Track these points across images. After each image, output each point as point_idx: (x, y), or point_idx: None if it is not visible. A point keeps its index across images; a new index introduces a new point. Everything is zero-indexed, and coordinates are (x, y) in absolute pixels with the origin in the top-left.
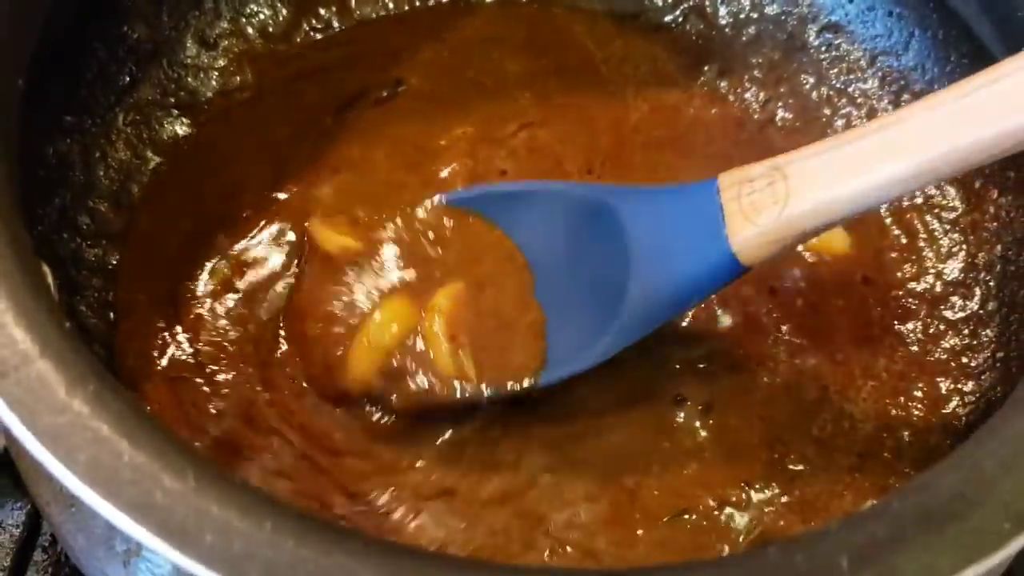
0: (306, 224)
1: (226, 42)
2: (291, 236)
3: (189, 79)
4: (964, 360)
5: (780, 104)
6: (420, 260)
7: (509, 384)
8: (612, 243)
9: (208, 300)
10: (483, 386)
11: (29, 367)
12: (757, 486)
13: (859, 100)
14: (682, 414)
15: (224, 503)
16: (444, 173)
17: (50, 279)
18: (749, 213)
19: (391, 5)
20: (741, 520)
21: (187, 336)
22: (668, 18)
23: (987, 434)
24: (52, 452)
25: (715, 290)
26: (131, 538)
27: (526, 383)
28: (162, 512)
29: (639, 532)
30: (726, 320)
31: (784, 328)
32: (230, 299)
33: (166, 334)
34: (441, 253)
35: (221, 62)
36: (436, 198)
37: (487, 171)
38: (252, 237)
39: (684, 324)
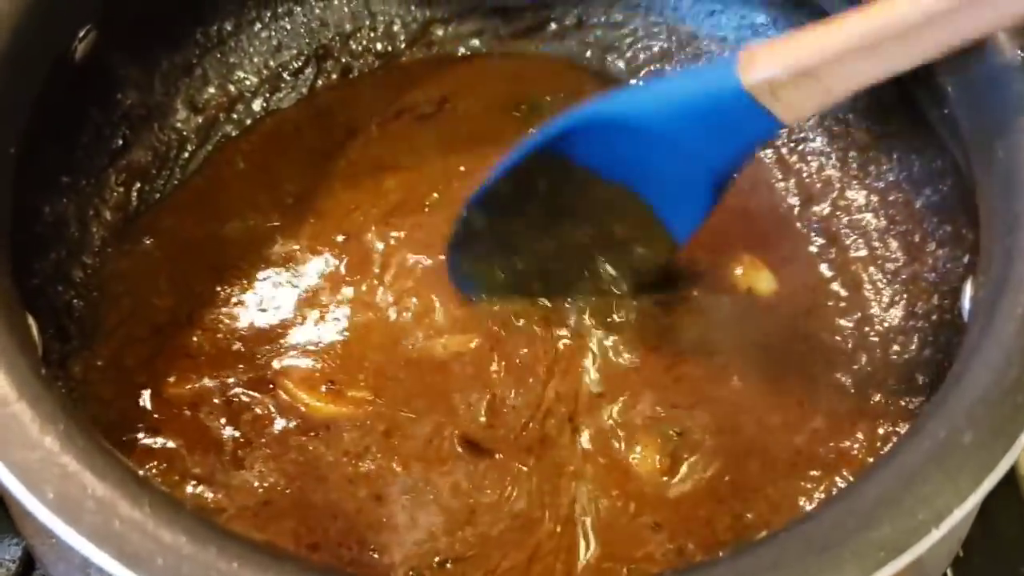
0: None
1: (214, 105)
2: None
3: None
4: (902, 403)
5: None
6: None
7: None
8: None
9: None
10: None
11: (5, 408)
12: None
13: (809, 158)
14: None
15: (175, 530)
16: None
17: (34, 329)
18: (789, 105)
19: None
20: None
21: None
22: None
23: (873, 471)
24: (24, 485)
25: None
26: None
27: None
28: (119, 539)
29: None
30: (692, 369)
31: (740, 373)
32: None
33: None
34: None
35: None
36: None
37: None
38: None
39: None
